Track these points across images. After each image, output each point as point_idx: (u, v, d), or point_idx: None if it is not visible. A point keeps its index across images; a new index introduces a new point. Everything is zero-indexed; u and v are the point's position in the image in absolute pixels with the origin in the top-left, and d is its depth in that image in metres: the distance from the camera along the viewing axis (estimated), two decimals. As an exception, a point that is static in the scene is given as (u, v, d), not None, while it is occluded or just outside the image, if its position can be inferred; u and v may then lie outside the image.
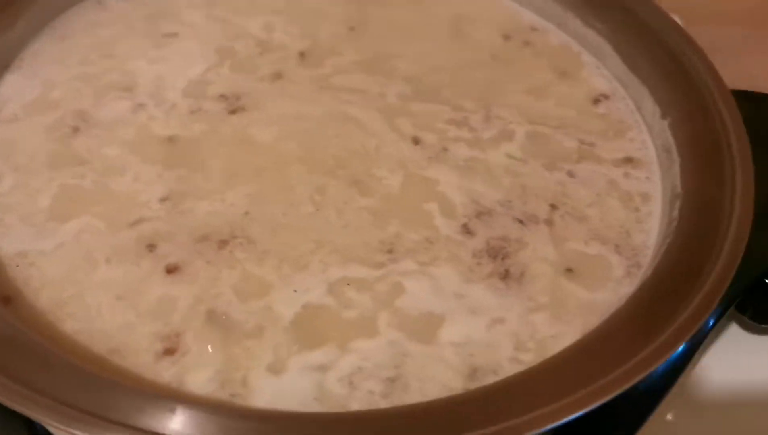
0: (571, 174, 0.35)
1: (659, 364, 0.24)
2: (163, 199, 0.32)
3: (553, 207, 0.33)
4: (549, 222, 0.33)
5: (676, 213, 0.32)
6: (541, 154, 0.35)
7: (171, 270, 0.29)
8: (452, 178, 0.34)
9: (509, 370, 0.27)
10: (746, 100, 0.44)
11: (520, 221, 0.32)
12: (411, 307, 0.29)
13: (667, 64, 0.37)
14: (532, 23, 0.42)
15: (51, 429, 0.26)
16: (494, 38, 0.41)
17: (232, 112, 0.36)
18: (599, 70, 0.40)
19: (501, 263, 0.31)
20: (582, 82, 0.40)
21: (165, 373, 0.26)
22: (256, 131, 0.35)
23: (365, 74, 0.38)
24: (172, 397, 0.25)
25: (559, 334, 0.29)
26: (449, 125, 0.36)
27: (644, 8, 0.39)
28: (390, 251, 0.31)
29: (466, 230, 0.32)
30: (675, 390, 0.39)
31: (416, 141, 0.35)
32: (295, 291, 0.29)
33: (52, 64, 0.37)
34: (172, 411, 0.23)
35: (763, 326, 0.41)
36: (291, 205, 0.32)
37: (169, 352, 0.27)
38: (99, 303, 0.28)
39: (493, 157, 0.35)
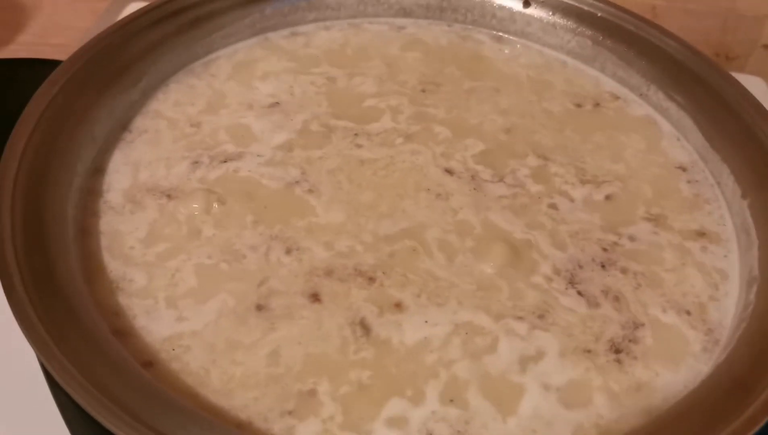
0: (632, 238, 0.35)
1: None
2: (288, 251, 0.33)
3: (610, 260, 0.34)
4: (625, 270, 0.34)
5: (752, 297, 0.32)
6: (599, 213, 0.36)
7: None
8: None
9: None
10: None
11: (603, 266, 0.34)
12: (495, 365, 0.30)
13: (748, 145, 0.37)
14: (614, 91, 0.43)
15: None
16: (568, 104, 0.42)
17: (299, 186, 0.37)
18: (679, 142, 0.41)
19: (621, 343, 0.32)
20: (660, 152, 0.40)
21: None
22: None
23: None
24: None
25: (621, 417, 0.29)
26: (494, 178, 0.38)
27: (725, 85, 0.40)
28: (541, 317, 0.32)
29: (593, 303, 0.33)
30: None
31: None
32: (426, 322, 0.31)
33: (147, 144, 0.38)
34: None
35: None
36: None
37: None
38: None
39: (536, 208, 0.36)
